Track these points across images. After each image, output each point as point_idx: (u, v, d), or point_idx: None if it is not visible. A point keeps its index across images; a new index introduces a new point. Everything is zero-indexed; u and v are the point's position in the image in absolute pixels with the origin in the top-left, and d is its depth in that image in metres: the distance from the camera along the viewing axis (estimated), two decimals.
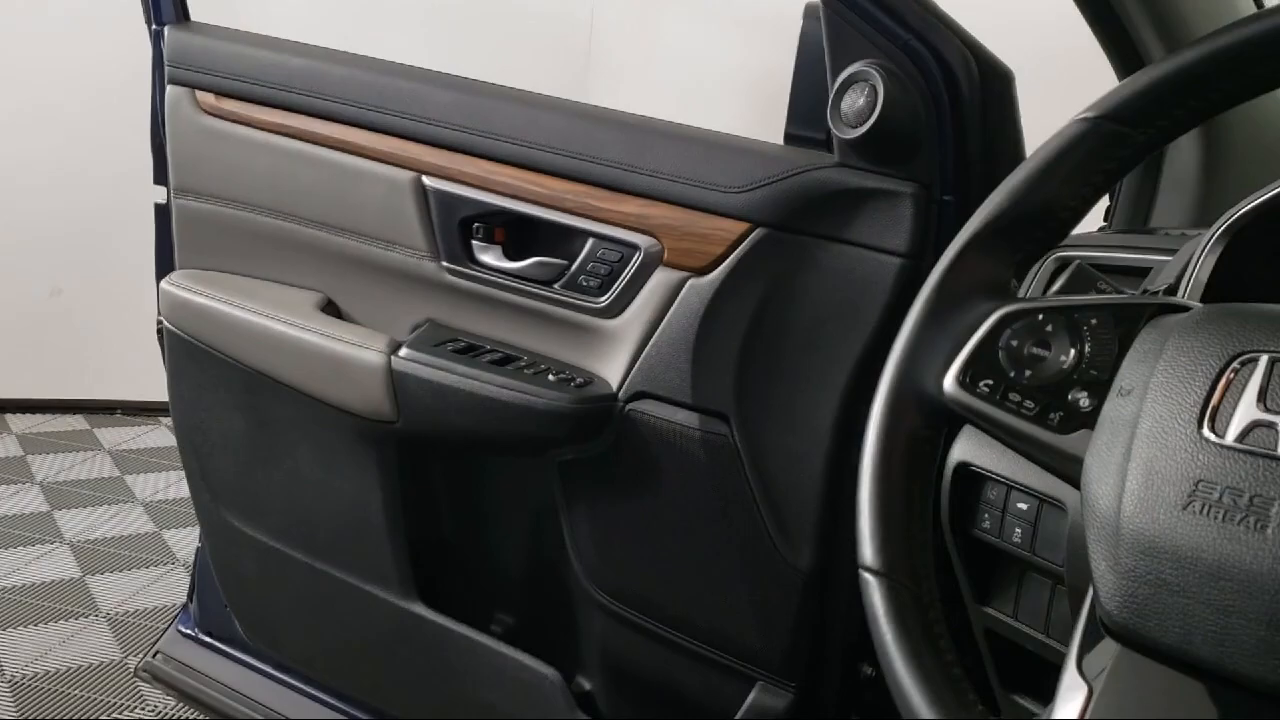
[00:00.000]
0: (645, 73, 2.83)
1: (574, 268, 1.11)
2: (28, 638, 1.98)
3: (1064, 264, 0.83)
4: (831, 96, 0.98)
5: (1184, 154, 0.91)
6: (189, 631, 1.53)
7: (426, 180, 1.17)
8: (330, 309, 1.26)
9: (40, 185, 2.74)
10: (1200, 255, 0.67)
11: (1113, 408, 0.49)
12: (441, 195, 1.17)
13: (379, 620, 1.22)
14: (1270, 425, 0.44)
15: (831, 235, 1.00)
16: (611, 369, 1.10)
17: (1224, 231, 0.67)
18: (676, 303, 1.06)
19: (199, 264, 1.33)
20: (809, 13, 1.03)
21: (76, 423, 2.90)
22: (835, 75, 0.98)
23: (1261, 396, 0.45)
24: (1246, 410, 0.45)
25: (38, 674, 1.87)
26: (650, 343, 1.07)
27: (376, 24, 2.68)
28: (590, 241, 1.10)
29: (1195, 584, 0.43)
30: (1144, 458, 0.46)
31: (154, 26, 1.33)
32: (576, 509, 1.13)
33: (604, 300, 1.10)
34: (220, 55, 1.28)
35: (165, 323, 1.32)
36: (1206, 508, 0.44)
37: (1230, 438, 0.45)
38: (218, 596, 1.47)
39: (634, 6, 2.88)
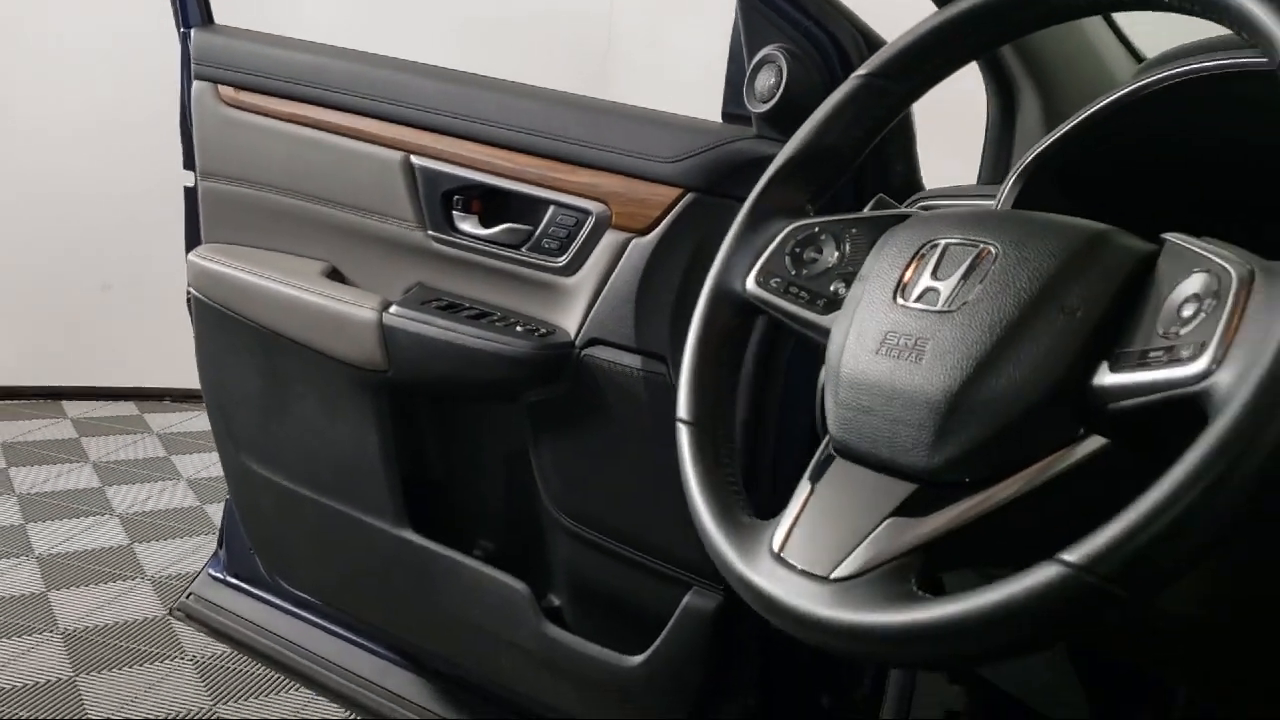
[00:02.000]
0: (663, 71, 3.02)
1: (537, 232, 1.31)
2: (79, 597, 2.23)
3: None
4: (746, 77, 1.17)
5: (1028, 114, 1.08)
6: (218, 575, 1.76)
7: (414, 159, 1.39)
8: (335, 275, 1.48)
9: (91, 190, 3.01)
10: (1000, 199, 0.85)
11: (852, 290, 0.68)
12: (427, 172, 1.38)
13: (376, 547, 1.43)
14: (935, 289, 0.62)
15: (730, 194, 1.19)
16: (569, 320, 1.30)
17: (1018, 177, 0.85)
18: (622, 260, 1.25)
19: (222, 239, 1.56)
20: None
21: (127, 408, 3.17)
22: (750, 58, 1.17)
23: (935, 270, 0.63)
24: (924, 280, 0.64)
25: (88, 628, 2.12)
26: (600, 296, 1.27)
27: (399, 25, 2.92)
28: (551, 209, 1.31)
29: (879, 405, 0.62)
30: (858, 321, 0.65)
31: (182, 29, 1.55)
32: (543, 445, 1.33)
33: (562, 260, 1.30)
34: (239, 53, 1.51)
35: (193, 291, 1.55)
36: (889, 350, 0.62)
37: (909, 300, 0.63)
38: (243, 543, 1.70)
39: (653, 5, 3.08)
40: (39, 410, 3.14)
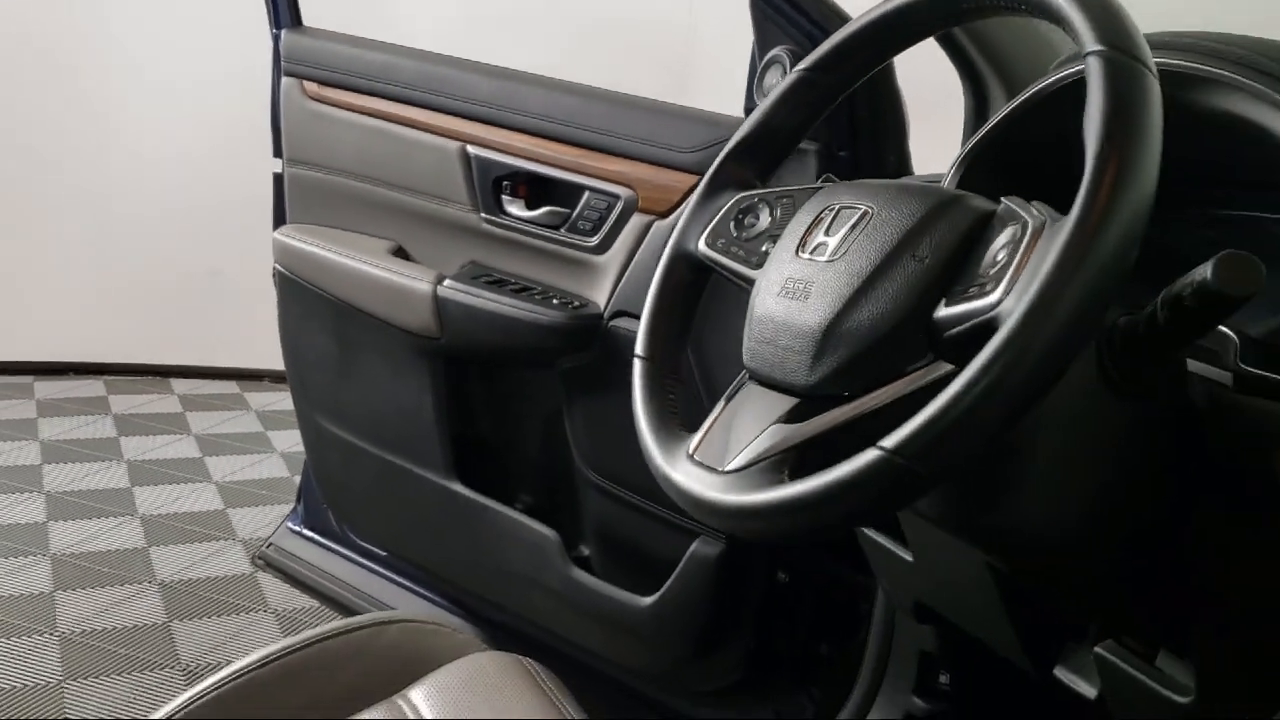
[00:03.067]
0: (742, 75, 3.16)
1: (574, 215, 1.50)
2: (175, 554, 2.49)
3: None
4: (756, 75, 1.34)
5: (997, 108, 1.21)
6: (295, 528, 1.98)
7: (470, 149, 1.58)
8: (400, 253, 1.69)
9: (202, 180, 3.29)
10: (945, 181, 1.00)
11: (774, 248, 0.84)
12: (480, 160, 1.57)
13: (428, 498, 1.62)
14: (825, 244, 0.78)
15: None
16: (599, 294, 1.47)
17: (957, 166, 1.00)
18: (646, 240, 1.42)
19: (303, 219, 1.77)
20: None
21: (229, 387, 3.46)
22: (761, 58, 1.34)
23: (828, 229, 0.79)
24: (818, 237, 0.79)
25: (182, 580, 2.37)
26: (627, 272, 1.45)
27: (488, 31, 3.13)
28: (586, 194, 1.49)
29: (776, 337, 0.78)
30: (769, 271, 0.81)
31: (274, 30, 1.78)
32: (575, 407, 1.51)
33: (594, 240, 1.48)
34: (323, 53, 1.72)
35: (277, 266, 1.77)
36: (786, 293, 0.78)
37: (806, 253, 0.79)
38: (318, 499, 1.91)
39: (732, 12, 3.24)
40: (149, 386, 3.45)
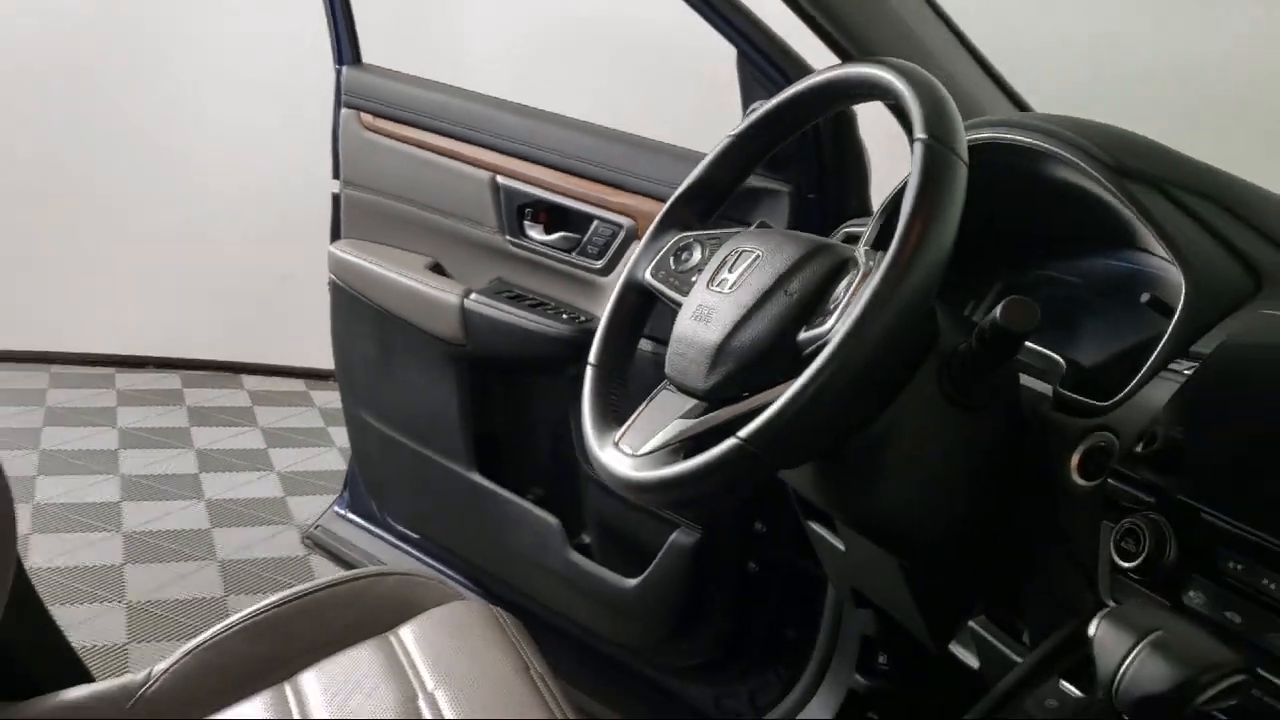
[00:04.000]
0: None
1: (584, 240, 1.73)
2: (236, 535, 2.77)
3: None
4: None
5: None
6: (341, 512, 2.24)
7: (499, 179, 1.83)
8: (437, 268, 1.94)
9: (277, 194, 3.59)
10: (868, 231, 1.22)
11: (696, 280, 1.06)
12: (507, 189, 1.82)
13: (452, 486, 1.87)
14: (726, 279, 1.00)
15: (740, 219, 1.57)
16: (602, 310, 1.70)
17: (876, 216, 1.22)
18: None
19: (356, 235, 2.04)
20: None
21: (295, 385, 3.76)
22: (744, 108, 1.56)
23: (730, 267, 1.01)
24: (722, 273, 1.02)
25: (241, 560, 2.64)
26: None
27: (541, 61, 3.39)
28: (595, 223, 1.72)
29: (685, 351, 1.00)
30: (689, 299, 1.04)
31: (336, 66, 2.04)
32: (579, 410, 1.74)
33: (600, 263, 1.71)
34: (377, 88, 1.99)
35: (331, 276, 2.04)
36: (696, 317, 1.01)
37: (713, 286, 1.01)
38: (361, 487, 2.17)
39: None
40: (222, 381, 3.76)
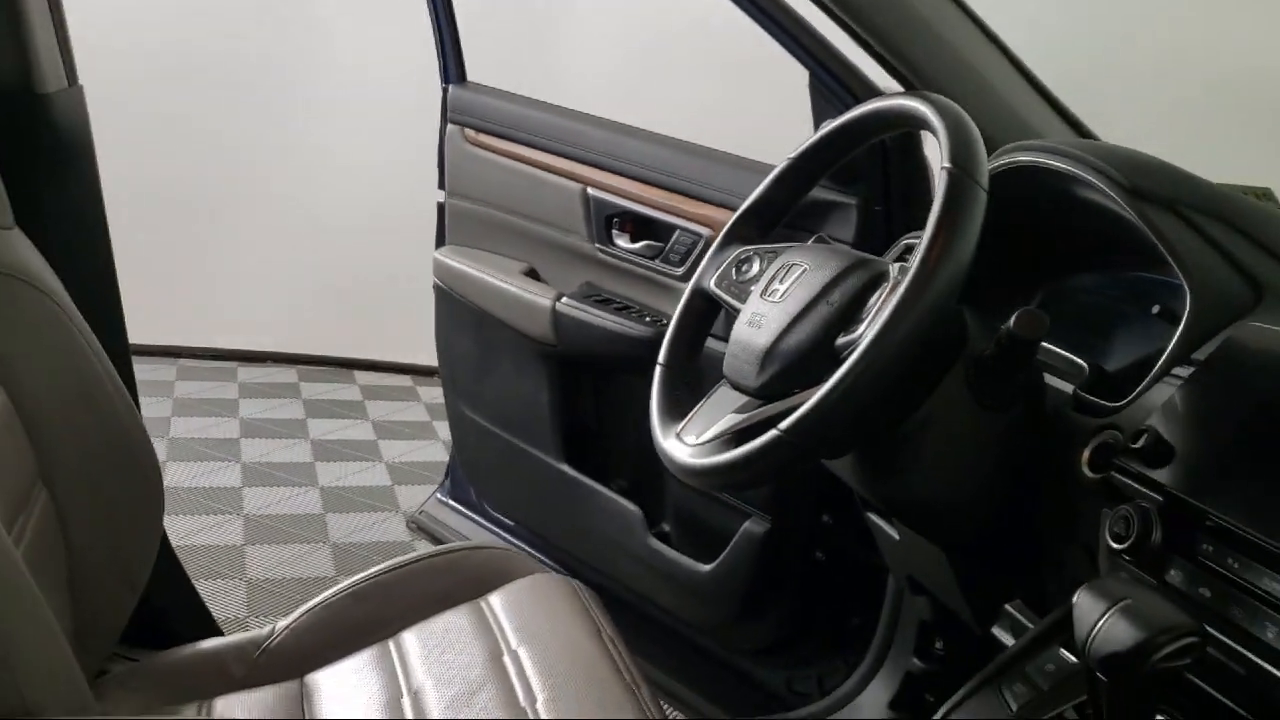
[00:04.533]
0: None
1: (666, 248, 1.87)
2: (347, 520, 2.97)
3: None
4: None
5: None
6: (443, 498, 2.42)
7: (589, 190, 1.98)
8: (532, 273, 2.09)
9: (388, 201, 3.80)
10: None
11: (755, 289, 1.20)
12: (597, 200, 1.97)
13: (543, 475, 2.03)
14: (777, 289, 1.13)
15: (811, 230, 1.70)
16: None
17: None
18: None
19: (458, 242, 2.21)
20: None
21: (404, 380, 3.97)
22: (815, 127, 1.68)
23: (781, 279, 1.14)
24: (774, 284, 1.14)
25: (351, 543, 2.85)
26: None
27: (644, 73, 3.54)
28: (676, 232, 1.86)
29: (740, 353, 1.13)
30: (745, 307, 1.17)
31: (443, 84, 2.22)
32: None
33: (681, 270, 1.85)
34: (480, 105, 2.16)
35: (435, 280, 2.21)
36: (750, 324, 1.14)
37: (766, 296, 1.15)
38: (461, 476, 2.34)
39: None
40: (335, 376, 4.00)
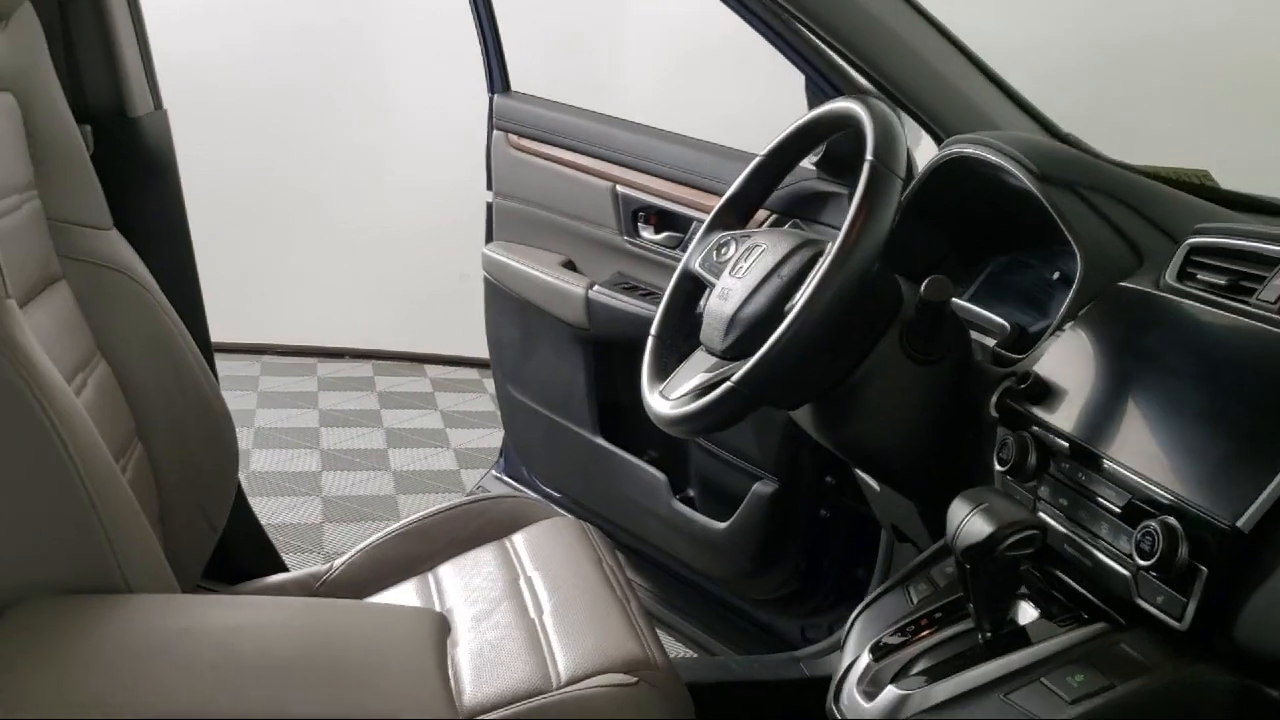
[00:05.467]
0: None
1: (686, 238, 2.10)
2: (417, 501, 3.25)
3: None
4: None
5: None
6: (499, 475, 2.68)
7: (618, 188, 2.21)
8: (569, 265, 2.34)
9: (454, 204, 4.07)
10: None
11: (726, 268, 1.42)
12: (625, 197, 2.20)
13: (581, 448, 2.27)
14: (742, 266, 1.35)
15: (810, 218, 1.92)
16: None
17: (902, 209, 1.55)
18: None
19: (504, 238, 2.46)
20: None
21: (470, 374, 4.26)
22: None
23: (744, 257, 1.36)
24: (739, 262, 1.37)
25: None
26: None
27: (687, 79, 3.77)
28: (694, 223, 2.09)
29: (712, 322, 1.36)
30: (718, 282, 1.40)
31: (489, 94, 2.47)
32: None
33: None
34: (520, 113, 2.41)
35: (485, 273, 2.47)
36: (719, 296, 1.36)
37: (734, 273, 1.37)
38: (514, 454, 2.60)
39: None
40: (407, 370, 4.30)
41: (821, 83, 1.87)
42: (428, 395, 4.10)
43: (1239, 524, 0.88)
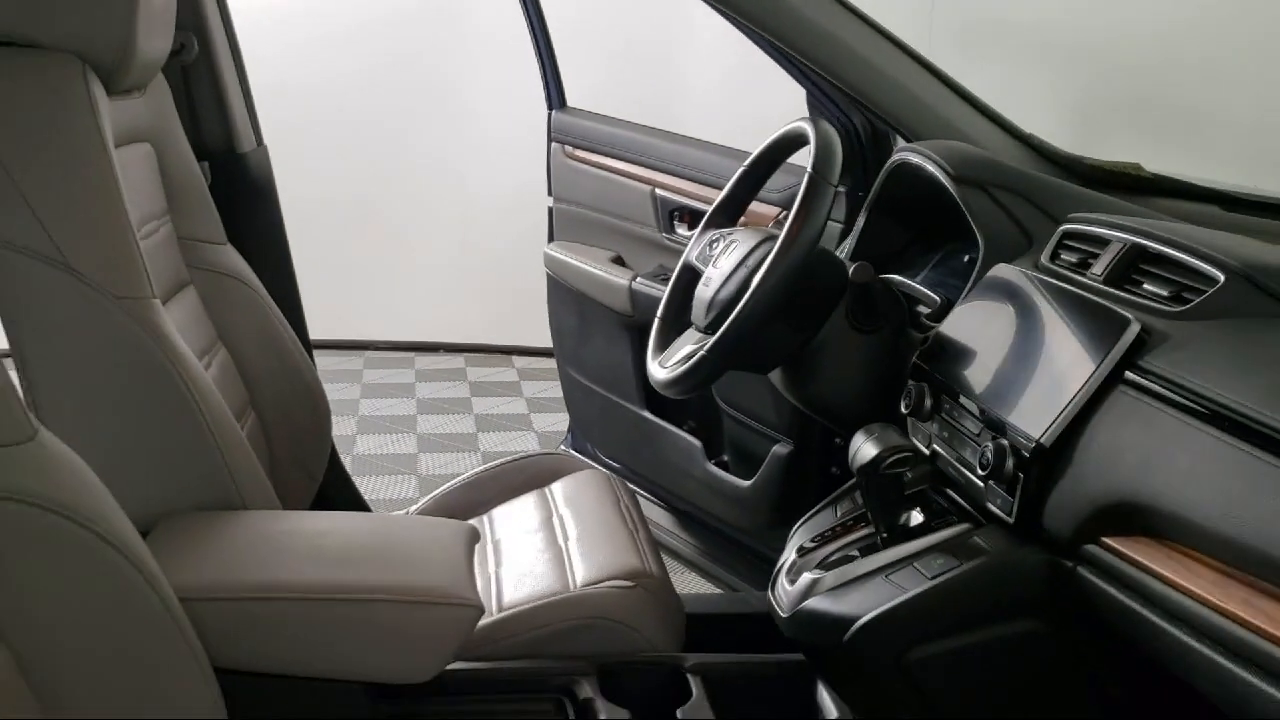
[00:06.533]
0: (993, 34, 3.75)
1: None
2: None
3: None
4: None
5: None
6: (566, 449, 3.07)
7: (657, 191, 2.59)
8: (618, 260, 2.72)
9: (528, 206, 4.49)
10: (857, 224, 1.90)
11: (713, 259, 1.78)
12: (663, 199, 2.58)
13: (630, 421, 2.65)
14: (722, 258, 1.71)
15: None
16: None
17: (864, 210, 1.90)
18: None
19: (563, 238, 2.86)
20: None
21: (553, 364, 4.64)
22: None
23: (725, 250, 1.72)
24: (720, 255, 1.73)
25: None
26: None
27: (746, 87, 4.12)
28: None
29: (698, 305, 1.72)
30: (707, 272, 1.76)
31: (548, 110, 2.87)
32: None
33: None
34: (574, 126, 2.80)
35: (546, 270, 2.86)
36: (704, 283, 1.72)
37: (714, 264, 1.73)
38: (577, 431, 2.99)
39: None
40: (495, 361, 4.73)
41: (820, 96, 2.22)
42: (514, 384, 4.52)
43: (1042, 440, 1.22)
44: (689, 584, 2.66)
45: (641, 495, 2.76)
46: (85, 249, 1.39)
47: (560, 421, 4.11)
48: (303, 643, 1.28)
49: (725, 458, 2.55)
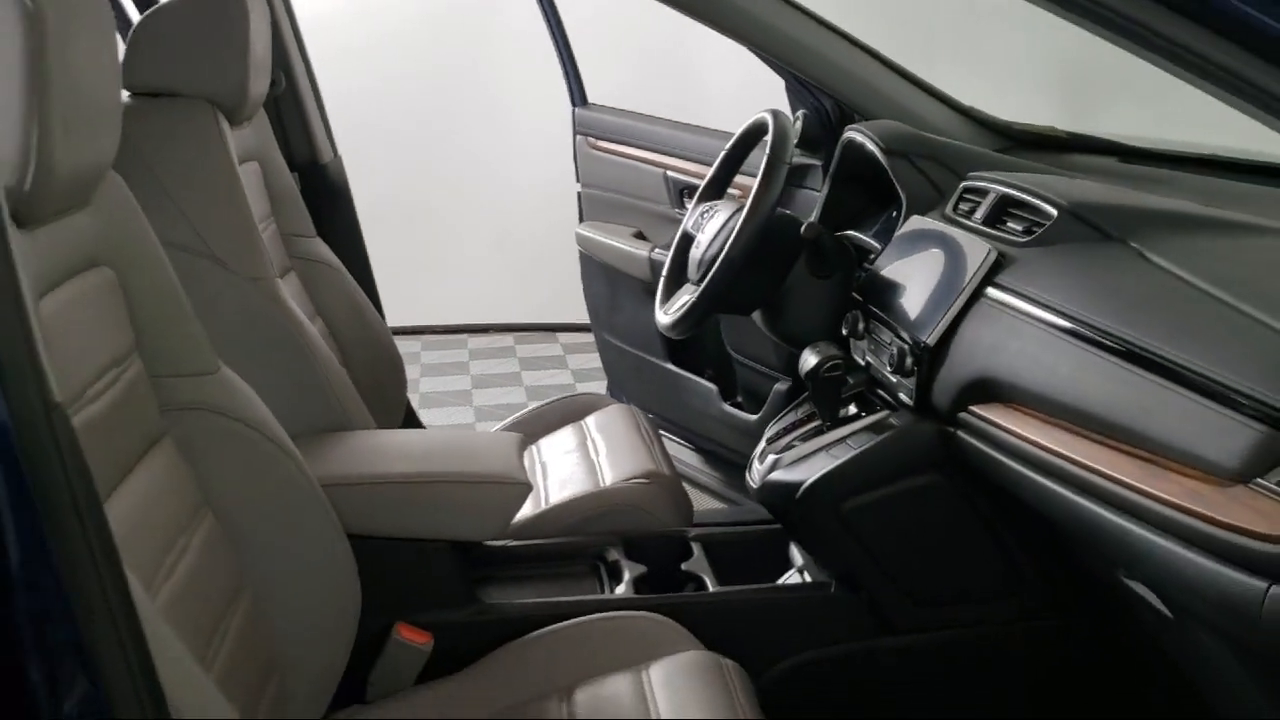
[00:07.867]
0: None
1: None
2: None
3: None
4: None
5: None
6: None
7: (668, 173, 3.12)
8: (639, 236, 3.26)
9: (565, 193, 5.04)
10: (821, 194, 2.43)
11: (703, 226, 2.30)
12: (673, 180, 3.11)
13: (657, 373, 3.20)
14: (709, 224, 2.24)
15: (794, 183, 2.78)
16: None
17: (827, 181, 2.42)
18: None
19: (591, 219, 3.41)
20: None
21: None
22: (792, 111, 2.77)
23: (711, 216, 2.25)
24: (707, 221, 2.25)
25: None
26: None
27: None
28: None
29: (692, 263, 2.25)
30: (699, 237, 2.29)
31: (572, 106, 3.41)
32: (727, 320, 3.01)
33: None
34: (595, 121, 3.34)
35: (579, 248, 3.41)
36: (696, 246, 2.26)
37: (701, 229, 2.25)
38: (614, 387, 3.54)
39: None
40: (543, 338, 5.29)
41: (796, 84, 2.74)
42: (559, 358, 5.08)
43: (928, 341, 1.75)
44: (709, 508, 3.20)
45: (668, 436, 3.32)
46: (225, 244, 1.96)
47: (602, 388, 4.67)
48: (403, 513, 1.84)
49: (739, 399, 3.09)
